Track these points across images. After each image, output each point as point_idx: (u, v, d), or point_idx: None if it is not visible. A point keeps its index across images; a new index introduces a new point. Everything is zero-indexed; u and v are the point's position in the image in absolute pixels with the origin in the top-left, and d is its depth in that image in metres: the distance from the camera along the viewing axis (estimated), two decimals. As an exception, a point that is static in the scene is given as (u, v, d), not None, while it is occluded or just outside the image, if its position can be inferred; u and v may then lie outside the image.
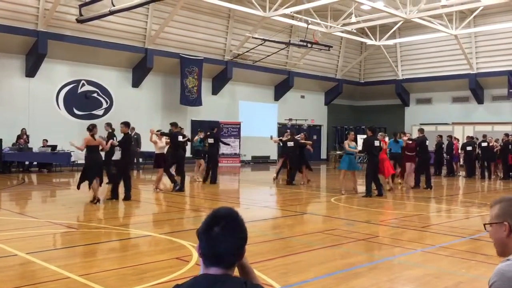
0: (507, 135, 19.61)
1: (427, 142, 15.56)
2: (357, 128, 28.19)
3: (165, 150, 13.61)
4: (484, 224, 2.07)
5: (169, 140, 13.63)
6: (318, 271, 5.71)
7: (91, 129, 10.93)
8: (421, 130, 15.84)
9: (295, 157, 15.79)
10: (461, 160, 21.45)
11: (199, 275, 1.79)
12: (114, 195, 11.48)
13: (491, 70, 26.23)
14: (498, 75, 25.72)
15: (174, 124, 13.91)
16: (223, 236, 1.75)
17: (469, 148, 20.03)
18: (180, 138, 13.98)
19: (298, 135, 16.93)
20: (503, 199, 2.05)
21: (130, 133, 12.38)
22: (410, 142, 15.51)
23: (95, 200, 10.77)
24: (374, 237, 7.72)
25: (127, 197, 11.41)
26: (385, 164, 13.90)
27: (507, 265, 1.89)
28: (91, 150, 10.93)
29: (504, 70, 25.44)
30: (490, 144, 19.58)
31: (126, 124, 11.69)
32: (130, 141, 11.92)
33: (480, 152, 19.96)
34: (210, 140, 16.02)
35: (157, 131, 13.68)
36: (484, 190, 16.53)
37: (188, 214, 10.01)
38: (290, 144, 15.87)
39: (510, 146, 19.01)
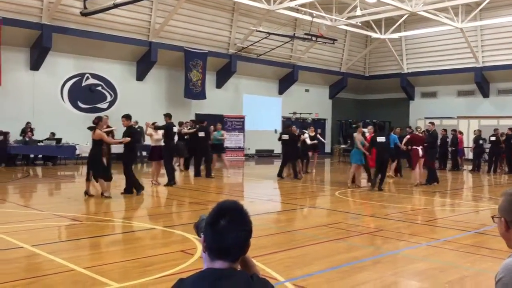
0: (511, 129, 19.46)
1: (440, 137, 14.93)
2: (362, 122, 28.08)
3: (161, 143, 13.40)
4: (492, 217, 2.06)
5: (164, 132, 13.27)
6: (323, 264, 5.70)
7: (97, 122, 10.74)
8: (432, 124, 15.03)
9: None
10: (471, 154, 21.37)
11: (204, 269, 1.78)
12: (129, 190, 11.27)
13: (497, 63, 26.06)
14: (504, 69, 25.56)
15: (168, 115, 13.56)
16: (230, 229, 1.74)
17: (480, 142, 19.98)
18: (175, 129, 13.83)
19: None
20: (505, 192, 2.03)
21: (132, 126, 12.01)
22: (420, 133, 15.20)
23: (104, 194, 10.57)
24: (379, 231, 7.71)
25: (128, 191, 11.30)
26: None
27: (514, 260, 1.87)
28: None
29: (510, 64, 25.25)
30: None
31: (127, 117, 11.34)
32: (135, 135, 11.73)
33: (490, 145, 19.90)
34: (201, 134, 15.68)
35: (152, 123, 13.59)
36: (489, 184, 16.47)
37: (192, 207, 10.02)
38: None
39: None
